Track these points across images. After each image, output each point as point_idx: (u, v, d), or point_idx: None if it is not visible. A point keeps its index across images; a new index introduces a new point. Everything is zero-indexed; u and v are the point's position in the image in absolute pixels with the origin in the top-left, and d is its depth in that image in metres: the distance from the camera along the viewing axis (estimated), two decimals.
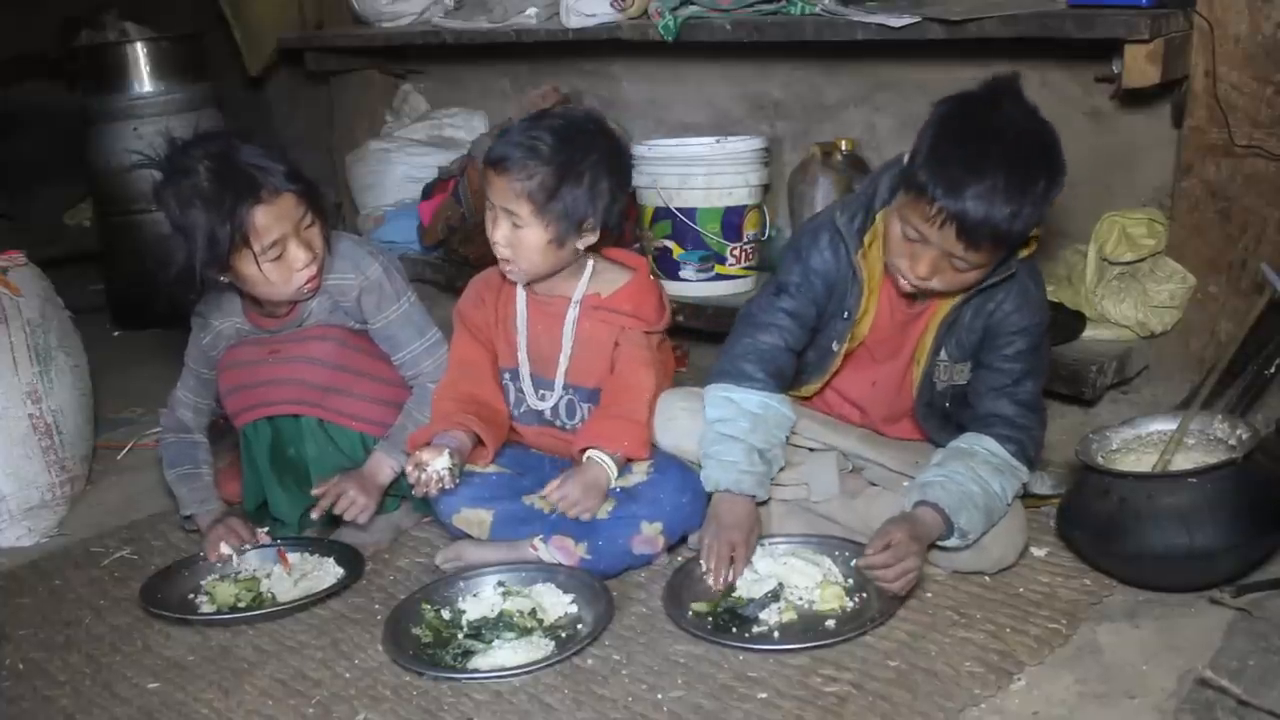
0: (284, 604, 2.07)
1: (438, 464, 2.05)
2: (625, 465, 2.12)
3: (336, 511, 2.15)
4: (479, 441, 2.15)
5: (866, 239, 2.02)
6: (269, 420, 2.23)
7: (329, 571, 2.16)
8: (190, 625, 2.05)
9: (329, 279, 2.21)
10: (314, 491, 2.16)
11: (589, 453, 2.10)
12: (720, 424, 2.05)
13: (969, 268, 1.88)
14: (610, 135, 2.16)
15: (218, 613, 2.07)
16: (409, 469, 2.08)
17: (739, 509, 2.00)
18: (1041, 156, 1.85)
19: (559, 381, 2.19)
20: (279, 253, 2.09)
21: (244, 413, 2.25)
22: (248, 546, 2.21)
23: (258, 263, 2.08)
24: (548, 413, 2.23)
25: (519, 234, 2.09)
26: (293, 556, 2.20)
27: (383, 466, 2.20)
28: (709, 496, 2.08)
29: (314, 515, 2.17)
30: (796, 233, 2.18)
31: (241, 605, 2.09)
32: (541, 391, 2.22)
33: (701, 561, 1.98)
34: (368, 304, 2.22)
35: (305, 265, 2.12)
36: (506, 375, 2.25)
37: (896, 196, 1.91)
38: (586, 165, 2.07)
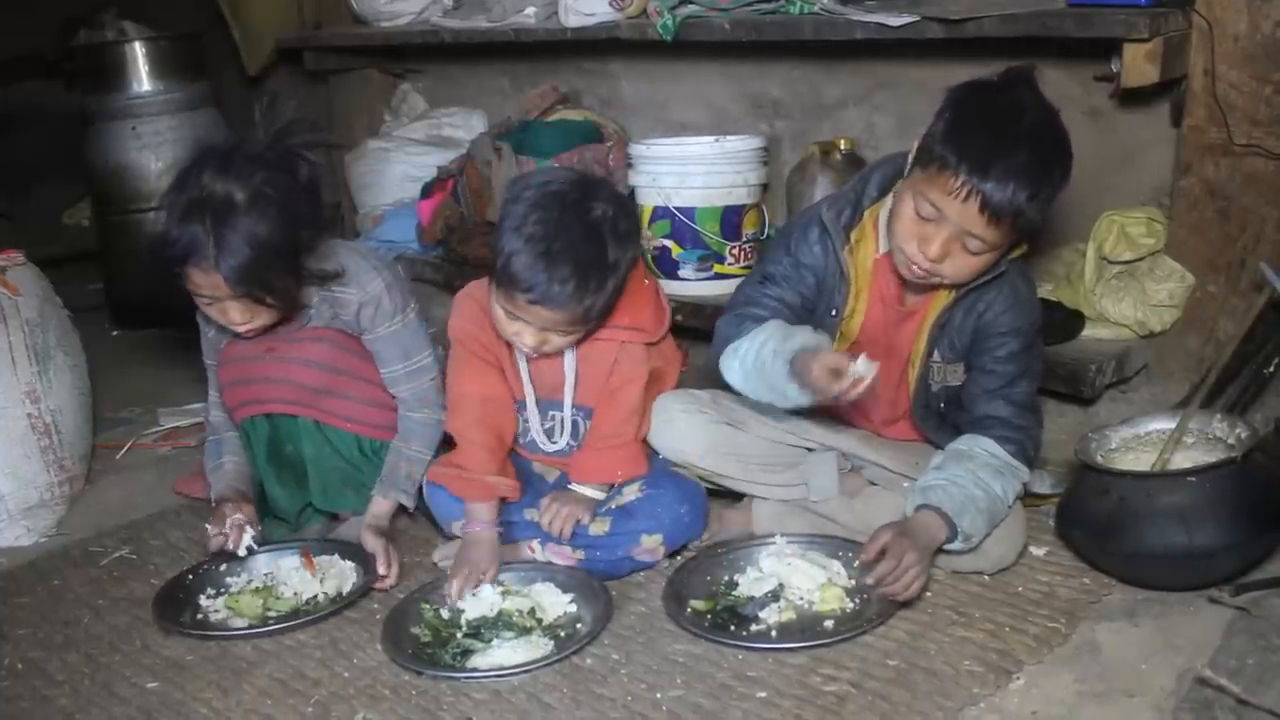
0: (325, 608, 2.04)
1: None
2: (617, 489, 2.14)
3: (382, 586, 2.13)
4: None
5: (854, 236, 2.01)
6: (266, 417, 2.23)
7: (344, 569, 2.16)
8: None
9: (330, 291, 2.19)
10: (382, 580, 2.11)
11: (577, 487, 2.13)
12: (750, 358, 1.97)
13: (982, 249, 1.87)
14: (635, 216, 2.07)
15: (252, 626, 2.02)
16: (456, 591, 2.02)
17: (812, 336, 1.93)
18: (1058, 144, 1.86)
19: (567, 402, 2.17)
20: (209, 303, 2.06)
21: (241, 408, 2.25)
22: (246, 538, 2.16)
23: (191, 297, 2.08)
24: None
25: (557, 340, 2.04)
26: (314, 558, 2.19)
27: (386, 511, 2.21)
28: (708, 497, 2.11)
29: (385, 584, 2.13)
30: (786, 225, 2.17)
31: (273, 615, 2.06)
32: (551, 414, 2.19)
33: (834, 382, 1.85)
34: (365, 316, 2.20)
35: (239, 324, 2.08)
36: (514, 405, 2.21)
37: (913, 173, 1.90)
38: (624, 268, 2.01)
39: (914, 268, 1.91)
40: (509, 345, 2.14)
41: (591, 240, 1.94)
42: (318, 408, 2.22)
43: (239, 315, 2.06)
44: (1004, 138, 1.80)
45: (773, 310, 2.04)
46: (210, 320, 2.24)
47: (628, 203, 2.07)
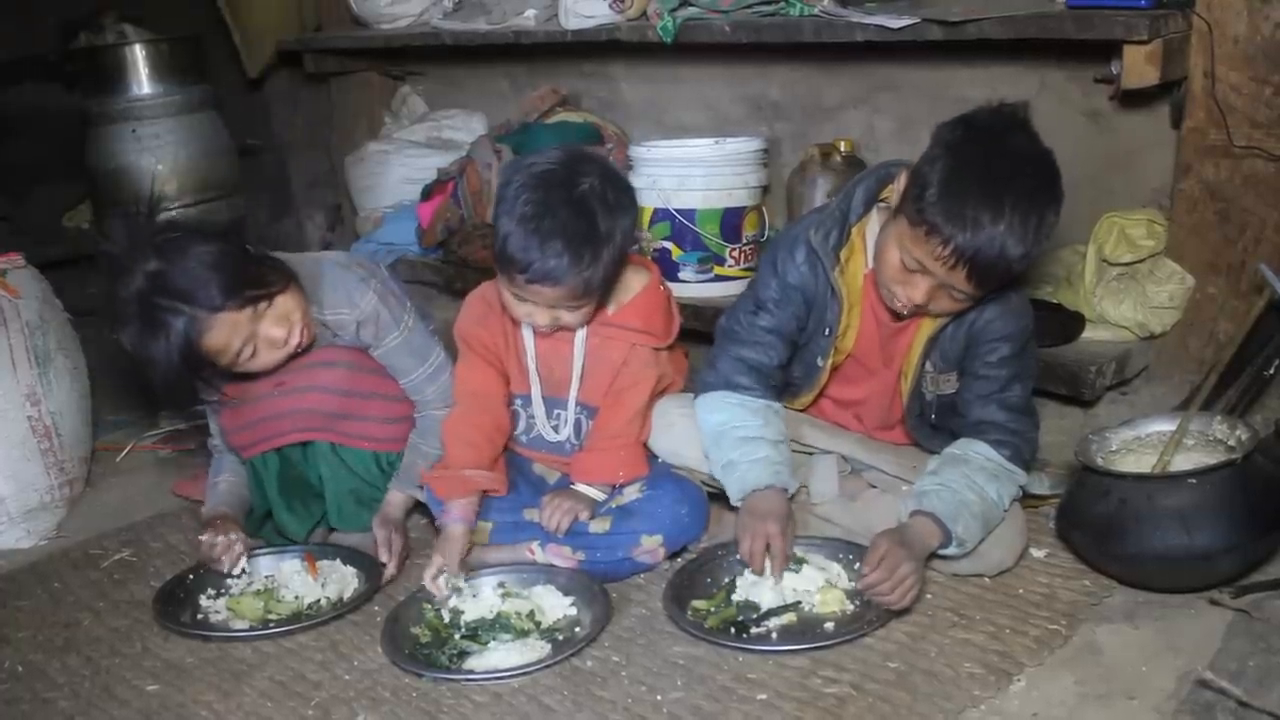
0: (325, 613, 2.04)
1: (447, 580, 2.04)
2: (618, 489, 2.15)
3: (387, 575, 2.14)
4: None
5: (843, 255, 2.01)
6: (276, 451, 2.23)
7: (346, 574, 2.16)
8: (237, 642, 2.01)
9: (325, 315, 2.17)
10: (387, 567, 2.13)
11: (579, 486, 2.14)
12: (734, 429, 2.04)
13: (967, 299, 1.89)
14: (627, 187, 2.06)
15: (252, 628, 2.02)
16: (427, 578, 2.04)
17: (773, 500, 1.99)
18: (1049, 191, 1.83)
19: (571, 399, 2.17)
20: (251, 350, 2.06)
21: (251, 447, 2.23)
22: (238, 558, 2.16)
23: (228, 372, 2.08)
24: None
25: (568, 317, 2.06)
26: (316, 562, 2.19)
27: (399, 502, 2.23)
28: (708, 499, 2.09)
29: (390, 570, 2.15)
30: (771, 245, 2.17)
31: (274, 618, 2.06)
32: (556, 412, 2.20)
33: (740, 555, 1.96)
34: (366, 334, 2.19)
35: (287, 339, 2.08)
36: (517, 401, 2.21)
37: (898, 224, 1.88)
38: (620, 238, 2.01)
39: (899, 305, 1.93)
40: (515, 342, 2.15)
41: (580, 214, 1.96)
42: (335, 431, 2.22)
43: (279, 330, 2.06)
44: (997, 203, 1.76)
45: (764, 349, 2.07)
46: (217, 402, 2.22)
47: (617, 174, 2.07)
